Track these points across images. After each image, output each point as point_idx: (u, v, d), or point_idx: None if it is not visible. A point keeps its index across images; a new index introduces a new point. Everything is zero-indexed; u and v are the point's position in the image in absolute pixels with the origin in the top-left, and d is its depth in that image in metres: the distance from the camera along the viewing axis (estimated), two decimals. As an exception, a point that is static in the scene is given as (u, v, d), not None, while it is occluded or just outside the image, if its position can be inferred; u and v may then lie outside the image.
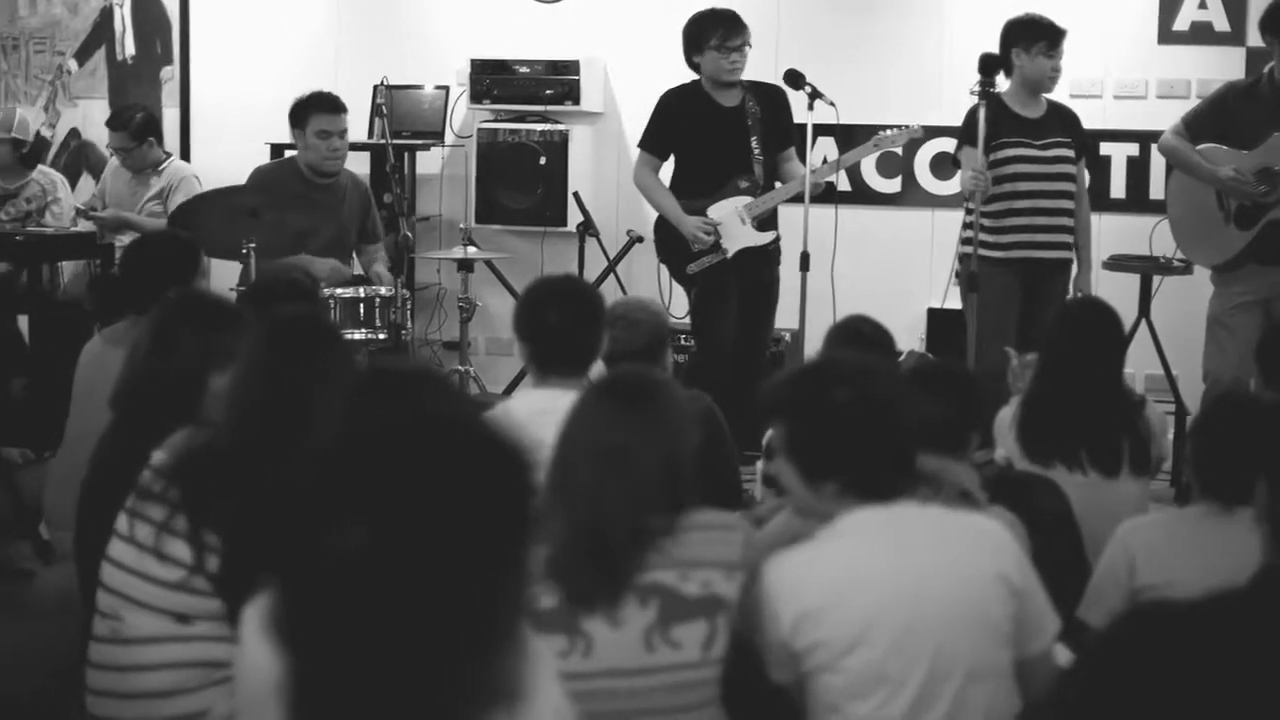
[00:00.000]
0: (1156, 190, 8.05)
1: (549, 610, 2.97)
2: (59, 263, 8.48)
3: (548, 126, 8.84)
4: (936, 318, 7.93)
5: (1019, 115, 6.87)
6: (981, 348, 6.51)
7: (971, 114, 6.63)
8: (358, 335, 6.81)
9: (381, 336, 6.89)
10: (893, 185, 8.65)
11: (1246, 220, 6.58)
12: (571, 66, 8.81)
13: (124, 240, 7.97)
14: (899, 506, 3.10)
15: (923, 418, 3.29)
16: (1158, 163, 8.02)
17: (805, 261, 6.83)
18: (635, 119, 7.36)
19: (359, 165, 8.24)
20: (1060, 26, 6.84)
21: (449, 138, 9.19)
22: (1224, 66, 7.97)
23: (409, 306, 7.23)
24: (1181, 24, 8.22)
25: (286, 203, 6.93)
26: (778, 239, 7.18)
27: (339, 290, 6.86)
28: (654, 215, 7.34)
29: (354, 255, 7.57)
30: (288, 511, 2.01)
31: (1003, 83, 6.79)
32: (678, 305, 7.37)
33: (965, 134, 6.78)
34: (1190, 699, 1.86)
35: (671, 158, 7.27)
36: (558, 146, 8.80)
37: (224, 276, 7.90)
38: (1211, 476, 3.73)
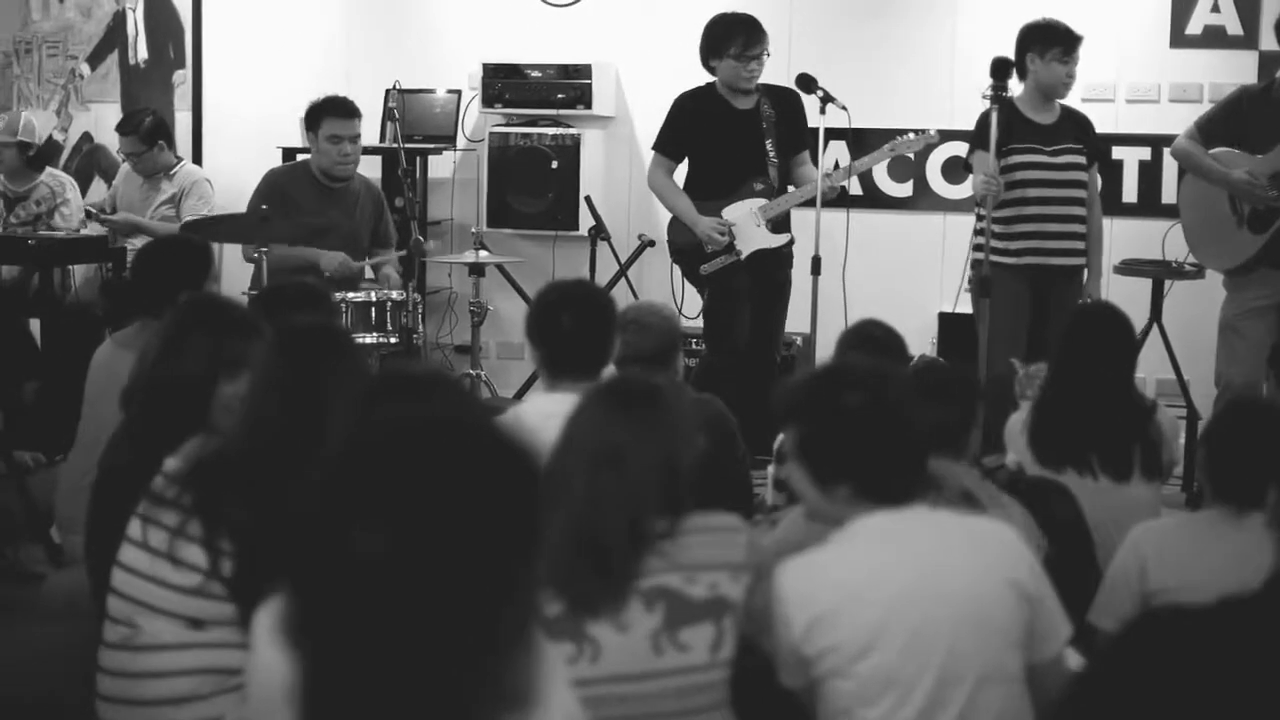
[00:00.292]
0: (1168, 194, 8.03)
1: (555, 617, 2.96)
2: (70, 266, 8.48)
3: (559, 130, 8.84)
4: (948, 322, 7.93)
5: (1032, 121, 6.87)
6: (992, 353, 6.50)
7: (984, 118, 6.63)
8: (369, 339, 6.83)
9: (393, 340, 6.91)
10: (905, 189, 8.65)
11: (1259, 224, 6.56)
12: (583, 70, 8.81)
13: (135, 244, 7.98)
14: (910, 511, 3.10)
15: (923, 419, 3.29)
16: (1170, 167, 8.00)
17: (817, 265, 6.83)
18: (647, 123, 7.36)
19: (371, 169, 8.25)
20: (1076, 33, 6.83)
21: (461, 142, 9.19)
22: (1236, 70, 7.95)
23: (420, 310, 7.24)
24: (1194, 27, 8.20)
25: (300, 211, 6.98)
26: (791, 241, 7.18)
27: (350, 294, 6.88)
28: (666, 220, 7.35)
29: (366, 259, 7.57)
30: (303, 515, 2.00)
31: (1016, 87, 6.78)
32: (689, 308, 7.36)
33: (977, 138, 6.78)
34: (1201, 704, 1.86)
35: (686, 160, 7.27)
36: (569, 150, 8.80)
37: (236, 280, 7.91)
38: (1223, 481, 3.73)
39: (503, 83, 8.89)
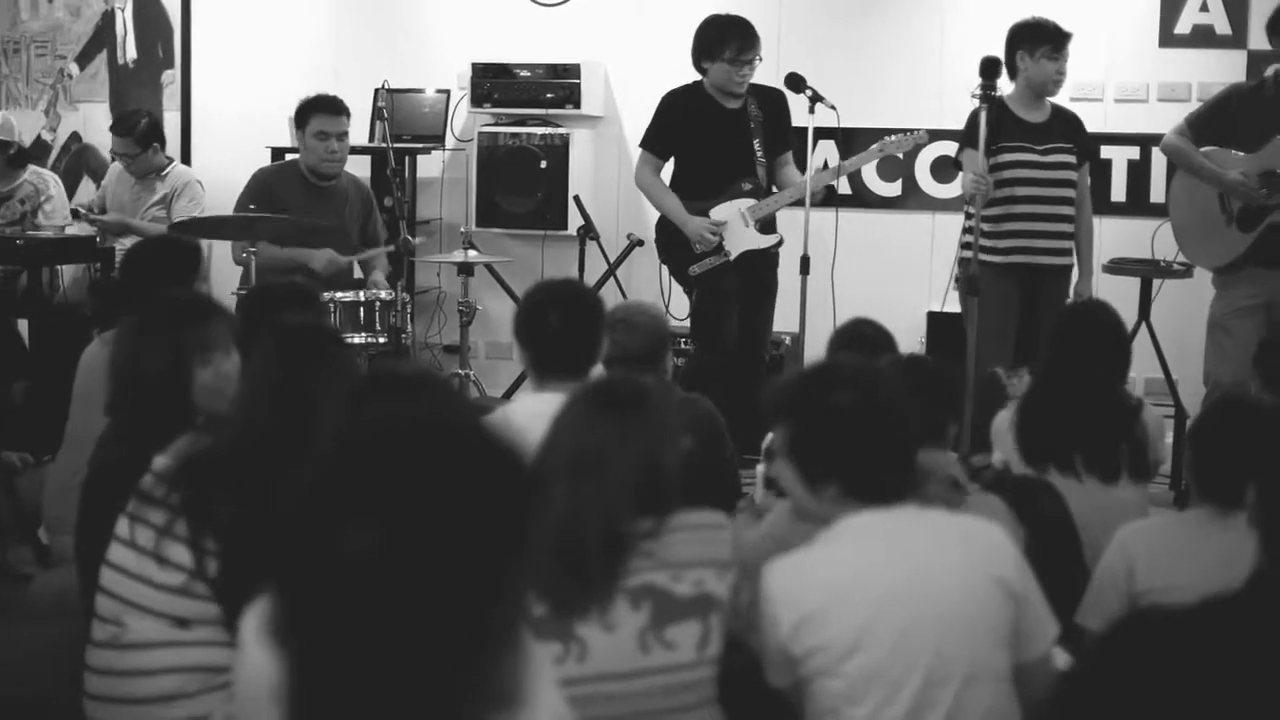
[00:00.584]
0: (1157, 194, 8.05)
1: (542, 617, 2.96)
2: (59, 266, 8.47)
3: (548, 130, 8.84)
4: (936, 321, 7.93)
5: (1022, 119, 6.87)
6: (981, 352, 6.49)
7: (973, 117, 6.62)
8: (358, 339, 6.82)
9: (382, 340, 6.89)
10: (893, 189, 8.66)
11: (1248, 222, 6.57)
12: (572, 70, 8.81)
13: (124, 244, 7.96)
14: (898, 510, 3.10)
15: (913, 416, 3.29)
16: (1158, 166, 8.02)
17: (806, 265, 6.82)
18: (636, 123, 7.36)
19: (360, 169, 8.24)
20: (1066, 30, 6.84)
21: (450, 141, 9.20)
22: (1225, 69, 7.97)
23: (409, 310, 7.23)
24: (1183, 27, 8.22)
25: (289, 210, 6.98)
26: (780, 242, 7.19)
27: (339, 294, 6.86)
28: (655, 219, 7.35)
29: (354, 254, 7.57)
30: (291, 515, 2.00)
31: (1006, 87, 6.78)
32: (678, 308, 7.36)
33: (967, 137, 6.78)
34: (1185, 705, 1.86)
35: (671, 159, 7.27)
36: (558, 150, 8.80)
37: (226, 280, 7.90)
38: (1210, 480, 3.73)
39: (491, 82, 8.89)
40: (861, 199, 8.62)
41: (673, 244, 7.18)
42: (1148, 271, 7.53)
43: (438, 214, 9.30)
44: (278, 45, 9.49)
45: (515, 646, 1.99)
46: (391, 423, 1.99)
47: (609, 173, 8.95)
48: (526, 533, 1.99)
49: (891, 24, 8.62)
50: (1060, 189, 6.86)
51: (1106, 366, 4.80)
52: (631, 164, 7.75)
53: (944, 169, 8.37)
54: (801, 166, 7.03)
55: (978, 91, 6.50)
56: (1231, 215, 6.61)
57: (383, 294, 6.97)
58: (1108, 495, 4.56)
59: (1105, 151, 8.11)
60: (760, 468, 4.58)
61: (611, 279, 8.30)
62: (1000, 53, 6.71)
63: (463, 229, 8.21)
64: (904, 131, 7.21)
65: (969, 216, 6.74)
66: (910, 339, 7.77)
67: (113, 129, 8.55)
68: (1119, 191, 8.29)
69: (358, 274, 7.61)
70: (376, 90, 8.39)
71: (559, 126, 8.86)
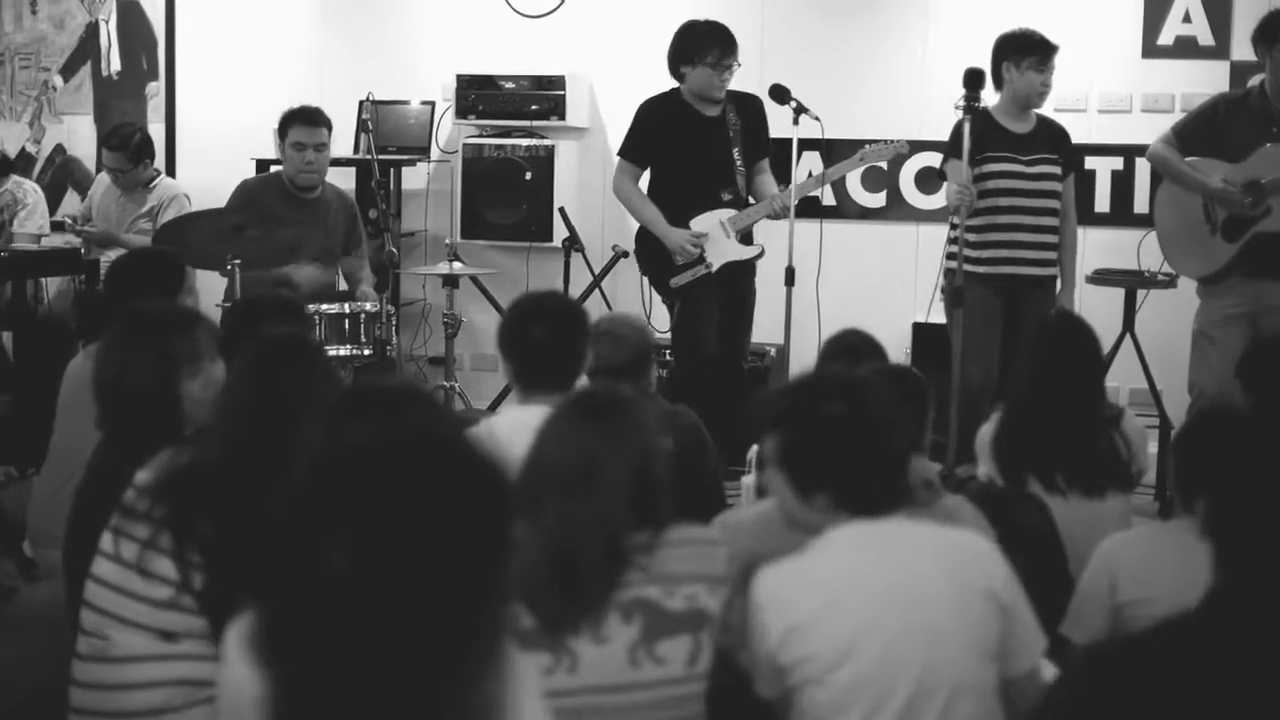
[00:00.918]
0: (1141, 204, 8.07)
1: (533, 628, 2.96)
2: (43, 279, 8.46)
3: (533, 142, 8.84)
4: (921, 332, 7.93)
5: (1007, 130, 6.88)
6: (965, 362, 6.50)
7: (958, 128, 6.63)
8: (343, 351, 6.81)
9: (367, 352, 6.89)
10: (878, 199, 8.66)
11: (1233, 232, 6.58)
12: (557, 82, 8.81)
13: (109, 256, 7.95)
14: (888, 521, 3.10)
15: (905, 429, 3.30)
16: (1142, 176, 8.04)
17: (790, 276, 6.82)
18: (621, 134, 7.35)
19: (344, 180, 8.24)
20: (1052, 42, 6.85)
21: (434, 153, 9.20)
22: (1208, 80, 7.99)
23: (394, 322, 7.23)
24: (1166, 38, 8.24)
25: (272, 219, 6.95)
26: (761, 253, 7.18)
27: (324, 306, 6.86)
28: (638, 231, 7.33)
29: (338, 267, 7.57)
30: (271, 530, 2.00)
31: (990, 98, 6.79)
32: (660, 320, 7.35)
33: (951, 147, 6.78)
34: None
35: (649, 169, 7.26)
36: (543, 162, 8.80)
37: (211, 293, 7.89)
38: (1193, 490, 3.73)
39: (476, 94, 8.88)
40: (846, 210, 8.63)
41: (653, 255, 7.16)
42: (1132, 282, 7.54)
43: (422, 226, 9.30)
44: (262, 57, 9.49)
45: (497, 659, 1.99)
46: (372, 439, 1.99)
47: (594, 184, 8.95)
48: (508, 547, 1.99)
49: (875, 35, 8.63)
50: (1044, 200, 6.87)
51: (1082, 381, 4.79)
52: (617, 176, 7.74)
53: (928, 180, 8.38)
54: (787, 178, 7.00)
55: (961, 102, 6.49)
56: (1216, 225, 6.63)
57: (368, 306, 6.97)
58: (1090, 508, 4.55)
59: (1089, 162, 8.11)
60: (745, 479, 4.58)
61: (596, 290, 8.31)
62: (983, 64, 6.72)
63: (447, 241, 8.20)
64: (884, 141, 7.22)
65: (954, 227, 6.74)
66: (896, 350, 7.77)
67: (105, 144, 8.50)
68: (1103, 202, 8.30)
69: (343, 285, 7.61)
70: (361, 102, 8.40)
71: (544, 138, 8.86)
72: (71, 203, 9.50)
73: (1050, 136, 6.97)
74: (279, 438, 3.28)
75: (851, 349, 4.69)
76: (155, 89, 9.72)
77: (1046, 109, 7.07)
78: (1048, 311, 6.69)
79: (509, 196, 8.82)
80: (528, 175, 8.78)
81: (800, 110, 6.85)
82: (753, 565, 3.18)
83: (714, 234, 7.04)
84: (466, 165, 8.92)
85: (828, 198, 8.39)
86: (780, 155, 7.18)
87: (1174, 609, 2.12)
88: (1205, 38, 8.17)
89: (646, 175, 7.29)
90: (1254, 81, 6.79)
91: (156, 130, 9.52)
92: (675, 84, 7.17)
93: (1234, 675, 2.03)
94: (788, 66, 8.12)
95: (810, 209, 7.61)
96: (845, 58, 8.62)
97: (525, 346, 4.28)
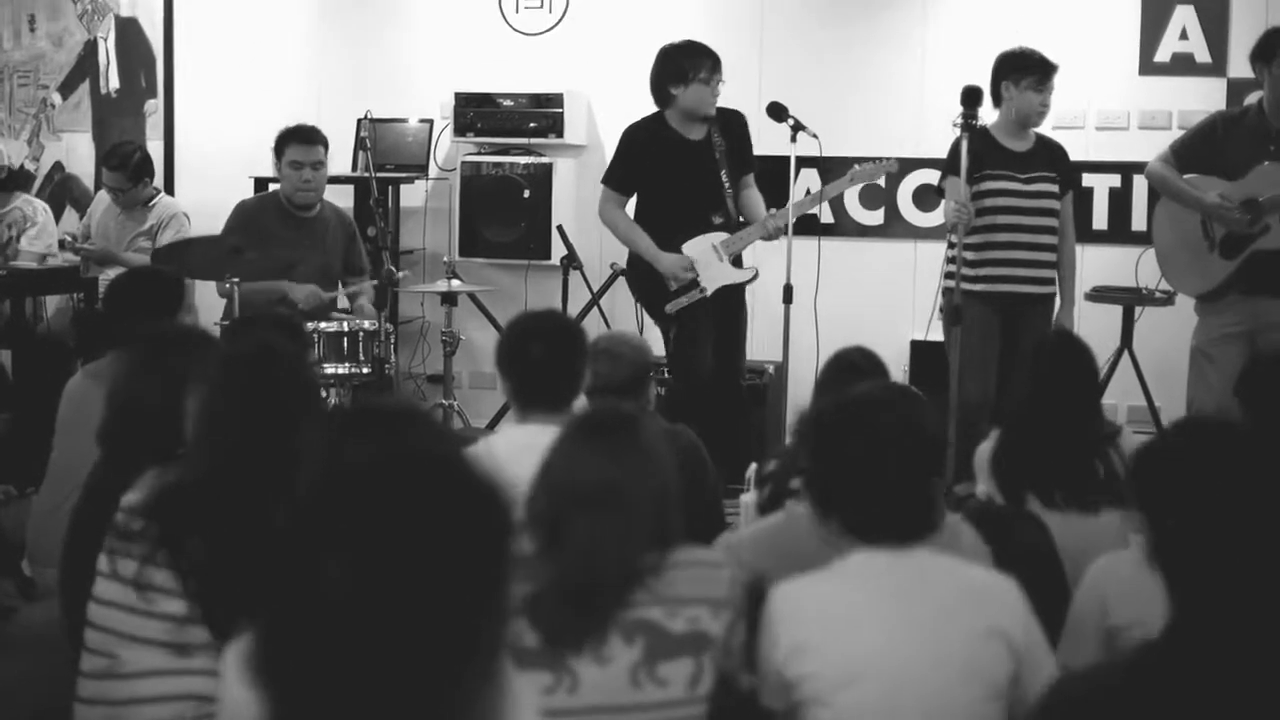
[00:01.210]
0: (1139, 221, 8.07)
1: (534, 647, 2.96)
2: (42, 297, 8.46)
3: (531, 159, 8.85)
4: (920, 350, 7.93)
5: (1006, 148, 6.89)
6: (963, 380, 6.50)
7: (956, 145, 6.63)
8: (341, 369, 6.82)
9: (365, 371, 6.90)
10: (875, 217, 8.67)
11: (1231, 249, 6.59)
12: (555, 99, 8.82)
13: (108, 275, 7.95)
14: (909, 552, 3.09)
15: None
16: (1140, 194, 8.05)
17: (788, 294, 6.81)
18: (619, 152, 7.36)
19: (343, 199, 8.25)
20: (1051, 62, 6.86)
21: (433, 171, 9.21)
22: (1205, 97, 8.01)
23: (392, 340, 7.23)
24: (1163, 55, 8.25)
25: (270, 240, 6.96)
26: (755, 275, 7.16)
27: (323, 324, 6.86)
28: (636, 250, 7.33)
29: (340, 287, 7.57)
30: (267, 549, 2.00)
31: (989, 116, 6.80)
32: (657, 338, 7.34)
33: (949, 165, 6.78)
34: None
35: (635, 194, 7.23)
36: (541, 179, 8.81)
37: (210, 311, 7.89)
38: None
39: (474, 112, 8.90)
40: (844, 227, 8.64)
41: (645, 281, 7.14)
42: (1130, 299, 7.55)
43: (421, 244, 9.30)
44: (261, 75, 9.50)
45: (494, 680, 1.99)
46: (371, 458, 1.99)
47: (592, 202, 8.85)
48: (507, 567, 1.99)
49: (873, 53, 8.64)
50: (1043, 218, 6.87)
51: (1080, 399, 4.79)
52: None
53: (925, 197, 8.39)
54: (783, 197, 6.97)
55: (959, 120, 6.50)
56: (1214, 242, 6.63)
57: (366, 324, 6.97)
58: (1087, 524, 4.54)
59: (1087, 179, 8.11)
60: (745, 497, 4.57)
61: (595, 309, 8.31)
62: (981, 82, 6.73)
63: (446, 259, 8.20)
64: (875, 160, 7.21)
65: (952, 245, 6.74)
66: (894, 368, 7.76)
67: (105, 163, 8.48)
68: (1100, 219, 8.31)
69: (343, 303, 7.61)
70: (359, 120, 8.41)
71: (542, 156, 8.87)
72: (70, 221, 9.50)
73: (1048, 155, 6.98)
74: (259, 450, 3.29)
75: (854, 366, 4.68)
76: (154, 107, 9.74)
77: (1044, 127, 7.08)
78: (1046, 329, 6.70)
79: (507, 214, 8.83)
80: (526, 193, 8.79)
81: (798, 128, 6.85)
82: (754, 586, 3.18)
83: (707, 258, 7.00)
84: (465, 183, 8.93)
85: (825, 215, 8.39)
86: (778, 173, 7.17)
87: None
88: (1202, 55, 8.19)
89: (633, 200, 7.25)
90: (1252, 99, 6.82)
91: (155, 148, 9.53)
92: (657, 108, 7.13)
93: (1194, 709, 2.05)
94: (785, 84, 8.13)
95: (808, 226, 7.61)
96: (843, 76, 8.63)
97: (523, 365, 4.27)
